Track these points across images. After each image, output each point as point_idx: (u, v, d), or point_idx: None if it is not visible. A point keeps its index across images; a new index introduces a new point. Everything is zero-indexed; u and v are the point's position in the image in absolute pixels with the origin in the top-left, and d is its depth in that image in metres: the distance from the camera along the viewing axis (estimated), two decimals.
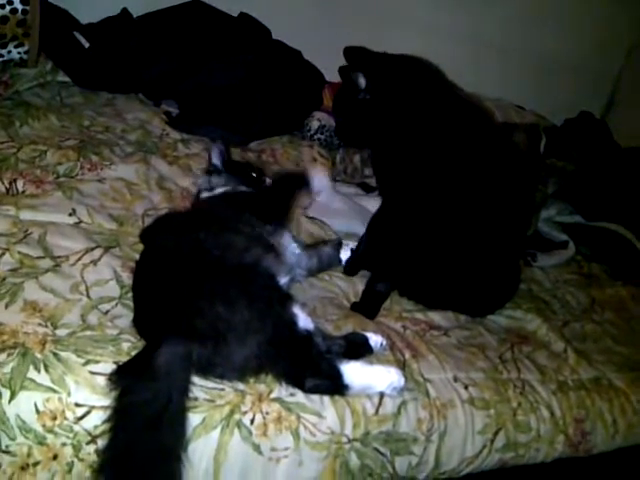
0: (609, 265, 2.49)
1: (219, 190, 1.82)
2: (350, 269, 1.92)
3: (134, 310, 1.44)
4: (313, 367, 1.37)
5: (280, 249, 1.63)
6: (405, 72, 1.87)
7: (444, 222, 1.76)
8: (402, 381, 1.46)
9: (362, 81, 1.82)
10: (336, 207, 2.19)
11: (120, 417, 1.20)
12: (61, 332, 1.35)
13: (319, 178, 1.97)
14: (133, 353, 1.33)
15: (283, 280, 1.58)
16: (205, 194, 1.84)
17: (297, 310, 1.42)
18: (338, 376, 1.38)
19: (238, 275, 1.42)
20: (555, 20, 3.16)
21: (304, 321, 1.41)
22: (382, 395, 1.46)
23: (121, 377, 1.24)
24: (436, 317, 1.86)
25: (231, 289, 1.37)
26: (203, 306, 1.33)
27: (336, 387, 1.39)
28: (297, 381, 1.38)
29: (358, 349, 1.52)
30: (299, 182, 1.87)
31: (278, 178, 1.92)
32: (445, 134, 1.78)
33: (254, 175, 1.89)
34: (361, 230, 1.97)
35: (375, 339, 1.57)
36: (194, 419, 1.27)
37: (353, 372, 1.40)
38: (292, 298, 1.46)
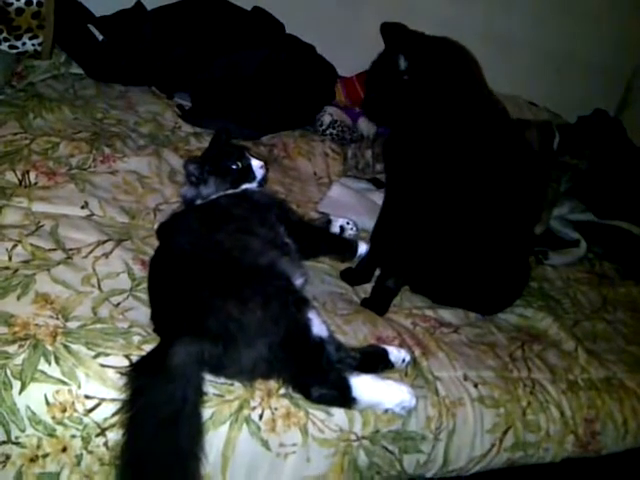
0: (621, 264, 2.48)
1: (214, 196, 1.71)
2: (352, 279, 1.88)
3: (150, 307, 1.44)
4: (321, 376, 1.34)
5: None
6: (445, 61, 1.83)
7: (453, 217, 1.75)
8: (413, 401, 1.41)
9: (403, 63, 1.77)
10: (347, 202, 2.18)
11: (136, 418, 1.19)
12: (72, 324, 1.35)
13: None
14: (143, 346, 1.34)
15: (298, 281, 1.55)
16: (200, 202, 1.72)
17: (313, 315, 1.39)
18: (346, 388, 1.35)
19: (254, 276, 1.40)
20: (570, 17, 3.14)
21: (318, 327, 1.38)
22: None
23: (136, 376, 1.24)
24: (446, 314, 1.85)
25: (246, 289, 1.35)
26: (216, 305, 1.33)
27: (343, 399, 1.36)
28: (304, 388, 1.35)
29: (375, 363, 1.47)
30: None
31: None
32: (465, 130, 1.76)
33: (238, 165, 1.73)
34: (371, 225, 1.95)
35: (397, 354, 1.50)
36: (203, 414, 1.27)
37: (362, 386, 1.36)
38: (309, 303, 1.44)
